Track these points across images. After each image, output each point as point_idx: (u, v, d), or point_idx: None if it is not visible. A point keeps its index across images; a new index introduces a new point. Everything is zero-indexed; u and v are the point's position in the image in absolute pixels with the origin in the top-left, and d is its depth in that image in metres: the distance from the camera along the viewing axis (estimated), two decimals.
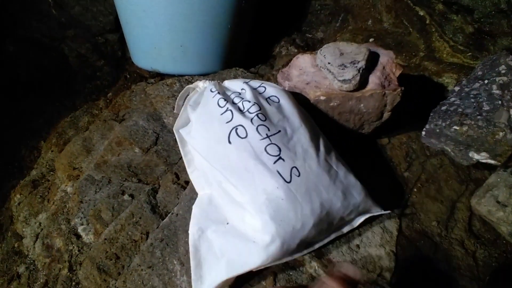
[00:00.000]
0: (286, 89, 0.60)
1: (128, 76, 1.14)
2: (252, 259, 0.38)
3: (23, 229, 0.77)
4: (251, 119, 0.43)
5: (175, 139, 0.65)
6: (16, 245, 0.76)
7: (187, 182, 0.66)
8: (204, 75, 0.94)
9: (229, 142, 0.42)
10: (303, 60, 0.61)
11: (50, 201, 0.80)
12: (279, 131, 0.43)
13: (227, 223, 0.42)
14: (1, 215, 0.88)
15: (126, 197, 0.69)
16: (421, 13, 0.82)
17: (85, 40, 1.26)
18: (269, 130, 0.42)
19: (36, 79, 1.25)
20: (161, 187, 0.69)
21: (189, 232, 0.44)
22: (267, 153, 0.40)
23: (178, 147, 0.64)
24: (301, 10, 1.15)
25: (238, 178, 0.41)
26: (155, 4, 0.83)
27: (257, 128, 0.42)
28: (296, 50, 1.03)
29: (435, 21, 0.79)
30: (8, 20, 1.23)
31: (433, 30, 0.80)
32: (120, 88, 1.11)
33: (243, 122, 0.42)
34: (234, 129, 0.42)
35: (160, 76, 1.03)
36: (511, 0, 0.69)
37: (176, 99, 0.88)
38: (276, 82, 0.69)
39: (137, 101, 0.90)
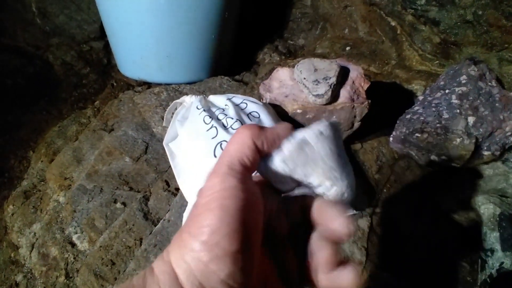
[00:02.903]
0: (268, 100, 0.65)
1: (115, 84, 1.16)
2: None
3: (19, 239, 0.79)
4: None
5: (164, 148, 0.68)
6: (12, 255, 0.78)
7: (177, 189, 0.70)
8: (190, 84, 0.97)
9: (215, 156, 0.46)
10: (282, 73, 0.66)
11: (43, 211, 0.82)
12: None
13: None
14: None
15: (118, 205, 0.73)
16: (393, 23, 0.88)
17: (70, 48, 1.27)
18: None
19: (21, 87, 1.25)
20: (152, 195, 0.73)
21: None
22: None
23: (167, 155, 0.68)
24: (283, 17, 1.19)
25: None
26: (140, 16, 0.86)
27: None
28: (278, 58, 1.08)
29: (405, 31, 0.85)
30: None
31: (404, 39, 0.86)
32: (107, 96, 1.13)
33: (227, 138, 0.47)
34: (219, 144, 0.47)
35: (147, 84, 1.06)
36: (477, 11, 0.75)
37: (163, 108, 0.92)
38: (259, 90, 0.74)
39: (125, 111, 0.93)
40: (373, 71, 0.87)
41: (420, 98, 0.64)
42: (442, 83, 0.63)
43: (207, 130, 0.49)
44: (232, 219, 0.20)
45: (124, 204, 0.72)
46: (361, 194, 0.61)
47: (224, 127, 0.49)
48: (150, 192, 0.73)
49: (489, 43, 0.74)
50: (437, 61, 0.81)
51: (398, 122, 0.61)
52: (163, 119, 0.84)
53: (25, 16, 1.26)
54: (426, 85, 0.79)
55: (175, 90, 0.96)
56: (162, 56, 0.92)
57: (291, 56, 1.13)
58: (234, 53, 1.12)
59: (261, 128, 0.23)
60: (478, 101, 0.58)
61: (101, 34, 1.22)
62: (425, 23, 0.79)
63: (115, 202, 0.73)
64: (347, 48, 0.96)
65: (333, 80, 0.54)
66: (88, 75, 1.24)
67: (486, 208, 0.51)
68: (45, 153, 0.99)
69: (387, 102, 0.76)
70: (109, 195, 0.74)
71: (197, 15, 0.88)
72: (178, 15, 0.86)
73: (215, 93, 0.97)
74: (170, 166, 0.73)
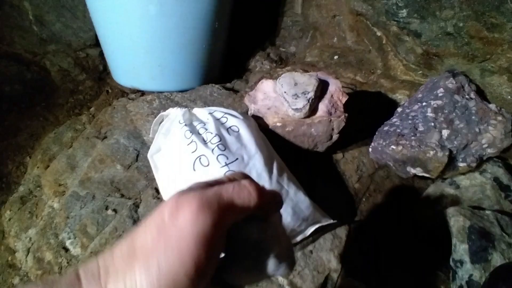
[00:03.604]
0: (252, 112, 0.67)
1: (109, 91, 1.19)
2: None
3: (15, 244, 0.82)
4: (212, 150, 0.50)
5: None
6: (9, 259, 0.81)
7: None
8: (182, 91, 1.00)
9: (194, 169, 0.49)
10: (266, 85, 0.68)
11: (38, 216, 0.85)
12: (237, 158, 0.50)
13: None
14: None
15: (109, 212, 0.75)
16: (379, 33, 0.90)
17: (66, 55, 1.30)
18: (227, 158, 0.49)
19: (19, 93, 1.28)
20: (142, 202, 0.75)
21: None
22: None
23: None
24: (275, 25, 1.21)
25: None
26: (132, 27, 0.88)
27: (217, 158, 0.49)
28: (268, 66, 1.10)
29: (390, 41, 0.87)
30: None
31: (389, 49, 0.88)
32: (102, 102, 1.16)
33: (206, 152, 0.49)
34: (198, 158, 0.49)
35: (140, 92, 1.09)
36: (458, 23, 0.77)
37: (154, 116, 0.94)
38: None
39: (118, 118, 0.96)
40: (359, 80, 0.89)
41: (399, 110, 0.66)
42: (420, 95, 0.65)
43: (188, 144, 0.51)
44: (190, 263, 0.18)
45: (115, 210, 0.75)
46: (341, 203, 0.63)
47: (204, 141, 0.51)
48: (141, 200, 0.76)
49: (470, 55, 0.75)
50: (420, 71, 0.82)
51: (376, 133, 0.63)
52: None
53: (22, 23, 1.29)
54: (410, 95, 0.81)
55: (167, 98, 0.99)
56: (153, 65, 0.94)
57: (282, 63, 1.15)
58: (226, 61, 1.15)
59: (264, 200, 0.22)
60: (454, 114, 0.60)
61: (97, 41, 1.24)
62: (408, 34, 0.80)
63: (107, 208, 0.76)
64: (335, 57, 0.98)
65: (311, 94, 0.56)
66: (84, 82, 1.26)
67: (456, 220, 0.53)
68: (41, 159, 1.01)
69: (371, 111, 0.78)
70: (101, 202, 0.76)
71: (187, 25, 0.90)
72: (169, 25, 0.88)
73: (205, 101, 0.99)
74: None
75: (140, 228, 0.21)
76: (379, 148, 0.61)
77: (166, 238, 0.19)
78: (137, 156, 0.83)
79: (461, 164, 0.61)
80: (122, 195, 0.78)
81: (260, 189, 0.22)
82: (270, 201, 0.23)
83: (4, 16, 1.27)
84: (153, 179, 0.80)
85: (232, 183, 0.22)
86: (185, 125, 0.53)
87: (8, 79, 1.27)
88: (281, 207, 0.24)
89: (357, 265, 0.56)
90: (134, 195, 0.77)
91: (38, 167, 1.00)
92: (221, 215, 0.20)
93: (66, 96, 1.24)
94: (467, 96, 0.64)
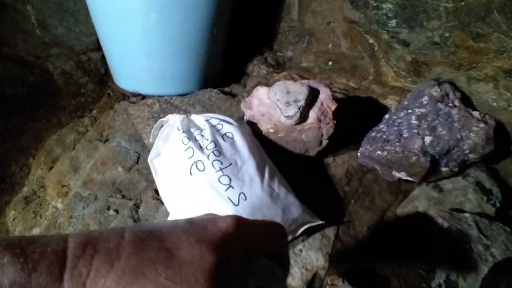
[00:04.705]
0: (247, 117, 0.71)
1: (111, 94, 1.22)
2: None
3: None
4: (208, 155, 0.53)
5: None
6: None
7: None
8: (181, 95, 1.03)
9: (191, 174, 0.53)
10: (261, 92, 0.72)
11: (42, 216, 0.89)
12: (231, 163, 0.53)
13: None
14: None
15: (111, 212, 0.79)
16: (371, 40, 0.93)
17: (69, 58, 1.33)
18: (222, 164, 0.53)
19: (22, 96, 1.31)
20: (143, 203, 0.79)
21: None
22: (220, 182, 0.51)
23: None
24: (272, 30, 1.25)
25: (198, 203, 0.51)
26: (133, 35, 0.92)
27: (212, 163, 0.53)
28: (265, 71, 1.13)
29: (382, 49, 0.91)
30: None
31: (381, 56, 0.91)
32: (103, 105, 1.19)
33: (202, 158, 0.53)
34: (194, 164, 0.53)
35: (141, 95, 1.12)
36: (444, 33, 0.81)
37: (155, 120, 0.98)
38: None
39: (120, 121, 0.99)
40: (352, 86, 0.93)
41: (387, 116, 0.69)
42: (406, 103, 0.68)
43: (185, 150, 0.54)
44: None
45: (116, 211, 0.79)
46: (330, 205, 0.67)
47: (200, 147, 0.55)
48: (141, 200, 0.79)
49: (456, 63, 0.79)
50: (410, 78, 0.86)
51: (364, 139, 0.67)
52: None
53: (25, 27, 1.32)
54: (400, 100, 0.85)
55: (167, 102, 1.02)
56: (154, 70, 0.98)
57: (279, 68, 1.19)
58: (225, 65, 1.18)
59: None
60: (437, 121, 0.64)
61: (99, 45, 1.27)
62: (398, 43, 0.84)
63: (108, 209, 0.79)
64: (330, 63, 1.01)
65: (302, 102, 0.60)
66: (86, 85, 1.30)
67: (435, 221, 0.56)
68: (45, 161, 1.05)
69: (362, 116, 0.82)
70: (103, 203, 0.80)
71: (187, 32, 0.94)
72: (169, 33, 0.92)
73: (204, 105, 1.03)
74: None
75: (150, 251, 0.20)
76: (367, 153, 0.64)
77: (178, 270, 0.19)
78: (138, 158, 0.87)
79: (444, 169, 0.64)
80: (123, 196, 0.81)
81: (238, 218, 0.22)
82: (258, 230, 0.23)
83: (7, 19, 1.30)
84: (153, 181, 0.83)
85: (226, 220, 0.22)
86: (183, 131, 0.57)
87: (11, 82, 1.30)
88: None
89: (344, 264, 0.60)
90: (135, 196, 0.81)
91: (41, 169, 1.04)
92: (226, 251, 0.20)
93: (68, 99, 1.28)
94: (450, 104, 0.67)
